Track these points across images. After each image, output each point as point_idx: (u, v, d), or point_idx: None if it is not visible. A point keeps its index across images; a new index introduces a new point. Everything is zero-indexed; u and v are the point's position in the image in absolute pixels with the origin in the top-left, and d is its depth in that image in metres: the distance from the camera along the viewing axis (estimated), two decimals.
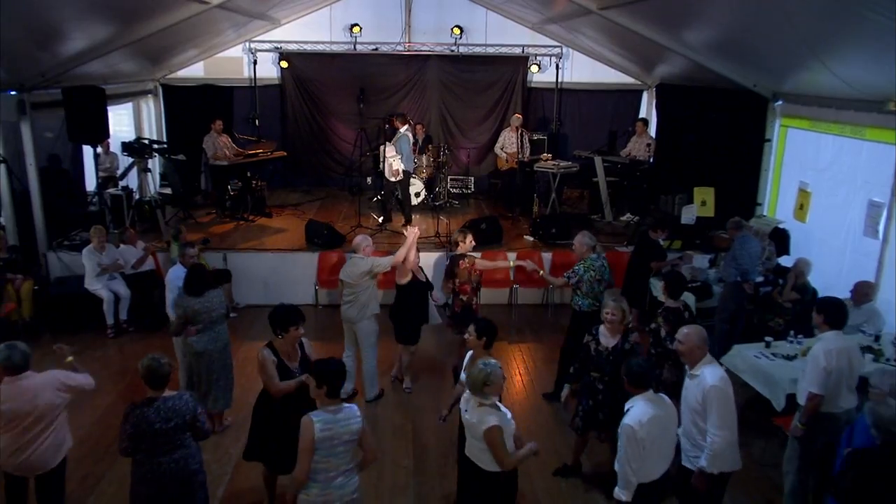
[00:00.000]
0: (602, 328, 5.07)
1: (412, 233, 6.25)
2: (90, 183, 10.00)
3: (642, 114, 12.38)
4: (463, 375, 4.44)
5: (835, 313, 4.61)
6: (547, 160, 10.59)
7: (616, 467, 3.96)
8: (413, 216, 10.36)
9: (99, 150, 9.66)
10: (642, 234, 8.09)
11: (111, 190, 9.97)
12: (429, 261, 8.89)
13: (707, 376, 4.05)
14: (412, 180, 10.89)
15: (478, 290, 6.68)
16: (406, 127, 9.88)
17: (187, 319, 5.41)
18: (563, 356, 6.39)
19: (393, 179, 9.91)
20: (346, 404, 3.80)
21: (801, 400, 4.61)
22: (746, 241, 6.96)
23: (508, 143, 11.22)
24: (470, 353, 4.59)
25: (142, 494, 3.87)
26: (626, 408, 3.97)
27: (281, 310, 4.49)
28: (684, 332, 4.24)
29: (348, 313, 6.25)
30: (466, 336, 4.62)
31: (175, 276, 6.07)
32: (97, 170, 9.47)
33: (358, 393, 6.54)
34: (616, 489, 3.94)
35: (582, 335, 6.14)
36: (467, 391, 3.99)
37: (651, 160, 10.44)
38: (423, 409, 6.34)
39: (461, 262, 6.51)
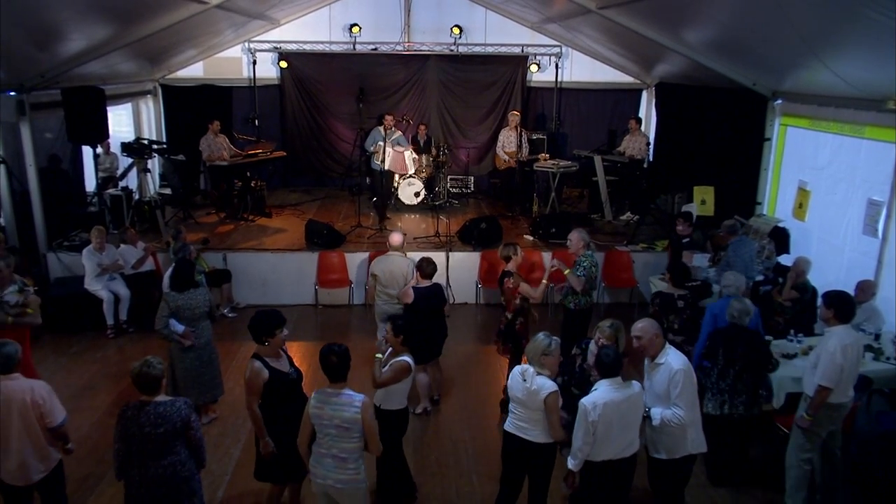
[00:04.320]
0: (592, 345, 4.86)
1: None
2: (90, 183, 10.00)
3: (642, 113, 12.39)
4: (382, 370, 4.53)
5: (844, 307, 4.64)
6: (545, 160, 10.59)
7: (573, 437, 4.12)
8: (412, 216, 10.34)
9: (99, 150, 9.65)
10: (672, 231, 8.19)
11: (111, 190, 9.97)
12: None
13: (673, 362, 4.21)
14: (412, 180, 10.90)
15: (523, 312, 6.02)
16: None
17: (171, 313, 5.54)
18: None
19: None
20: (349, 392, 3.84)
21: (810, 392, 4.65)
22: (741, 247, 6.90)
23: (507, 143, 11.21)
24: (389, 349, 4.66)
25: (133, 498, 3.84)
26: (594, 388, 4.11)
27: (263, 316, 4.32)
28: (639, 327, 4.30)
29: (386, 308, 6.18)
30: (385, 334, 4.69)
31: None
32: (97, 170, 9.47)
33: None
34: (569, 458, 4.15)
35: (578, 334, 6.10)
36: (525, 365, 4.20)
37: (649, 158, 10.44)
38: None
39: (507, 279, 6.01)
